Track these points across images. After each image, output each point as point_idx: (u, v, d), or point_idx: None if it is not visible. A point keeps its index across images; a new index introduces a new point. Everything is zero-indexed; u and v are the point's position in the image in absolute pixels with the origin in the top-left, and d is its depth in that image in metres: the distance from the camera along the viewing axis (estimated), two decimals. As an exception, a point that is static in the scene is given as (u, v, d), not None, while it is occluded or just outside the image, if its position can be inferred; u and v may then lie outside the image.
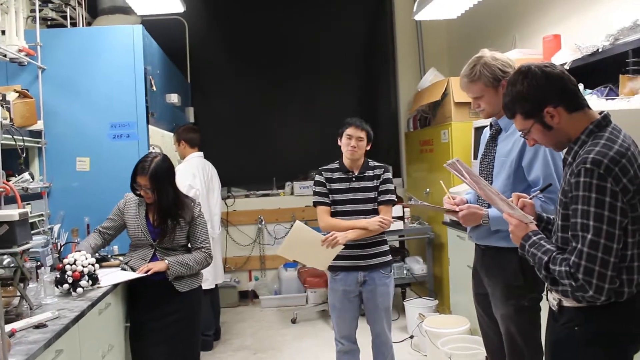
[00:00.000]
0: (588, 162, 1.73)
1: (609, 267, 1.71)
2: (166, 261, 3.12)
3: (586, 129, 1.86)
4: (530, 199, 2.13)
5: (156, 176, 3.10)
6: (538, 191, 2.25)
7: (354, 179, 3.47)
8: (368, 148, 3.51)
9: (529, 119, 1.93)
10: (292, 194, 6.80)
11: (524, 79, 1.90)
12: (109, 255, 3.59)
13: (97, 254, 3.27)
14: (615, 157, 1.73)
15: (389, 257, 3.53)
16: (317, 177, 3.54)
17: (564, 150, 1.96)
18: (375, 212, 3.44)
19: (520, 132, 2.01)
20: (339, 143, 3.52)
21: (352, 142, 3.42)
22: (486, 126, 4.41)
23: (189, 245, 3.32)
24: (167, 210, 3.17)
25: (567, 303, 1.87)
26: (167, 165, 3.20)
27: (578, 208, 1.75)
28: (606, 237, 1.70)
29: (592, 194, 1.72)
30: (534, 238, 1.93)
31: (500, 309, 2.59)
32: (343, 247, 3.30)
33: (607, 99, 3.18)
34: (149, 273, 3.08)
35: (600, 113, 1.89)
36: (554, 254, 1.84)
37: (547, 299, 2.02)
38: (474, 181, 2.15)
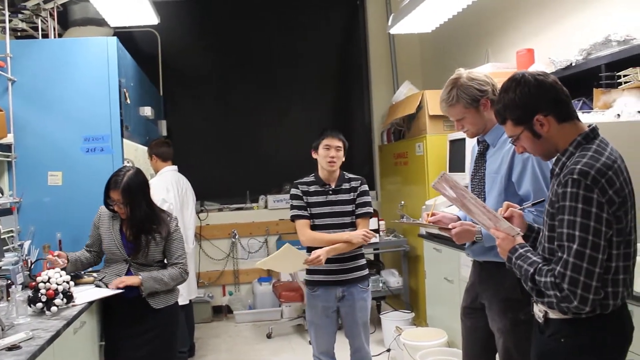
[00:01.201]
0: (575, 172, 1.74)
1: (594, 277, 1.71)
2: (140, 276, 3.06)
3: (574, 141, 1.87)
4: (521, 209, 2.13)
5: (129, 190, 3.04)
6: (530, 204, 2.25)
7: (330, 192, 3.44)
8: (343, 159, 3.48)
9: (518, 126, 1.94)
10: (266, 207, 6.75)
11: (517, 86, 1.91)
12: (82, 272, 3.49)
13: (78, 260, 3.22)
14: (602, 169, 1.74)
15: (367, 271, 3.51)
16: (293, 191, 3.49)
17: (552, 161, 1.97)
18: (353, 225, 3.42)
19: (510, 139, 2.02)
20: (314, 156, 3.48)
21: (332, 152, 3.38)
22: (462, 139, 4.53)
23: (165, 260, 3.26)
24: (141, 224, 3.11)
25: (553, 315, 1.88)
26: (140, 179, 3.13)
27: (564, 218, 1.76)
28: (592, 248, 1.71)
29: (578, 204, 1.73)
30: (521, 250, 1.93)
31: (497, 323, 2.58)
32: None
33: (582, 112, 3.22)
34: (121, 286, 3.01)
35: (589, 126, 1.90)
36: (540, 265, 1.84)
37: (533, 311, 2.02)
38: (460, 196, 2.13)
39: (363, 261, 3.51)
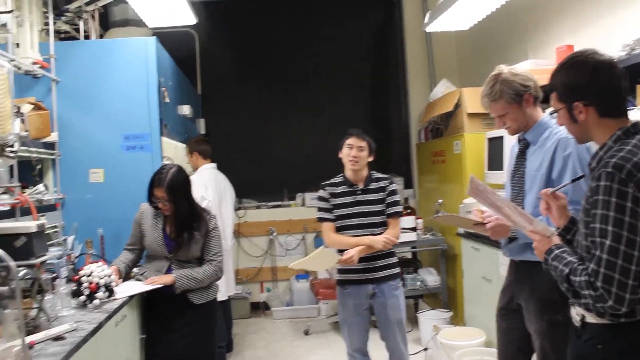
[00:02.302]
0: (610, 165, 1.68)
1: (630, 275, 1.63)
2: (173, 275, 3.11)
3: (614, 135, 1.80)
4: (557, 189, 2.06)
5: (172, 188, 3.10)
6: (568, 183, 2.17)
7: (359, 192, 3.45)
8: (370, 159, 3.48)
9: (560, 103, 1.90)
10: (303, 205, 6.78)
11: (573, 66, 1.87)
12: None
13: (126, 267, 3.28)
14: (638, 163, 1.67)
15: (398, 269, 3.52)
16: (320, 193, 3.52)
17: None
18: (382, 224, 3.43)
19: (552, 112, 2.00)
20: (340, 155, 3.50)
21: (353, 152, 3.41)
22: (500, 137, 4.47)
23: (203, 257, 3.30)
24: (183, 222, 3.17)
25: (590, 319, 1.80)
26: (183, 177, 3.20)
27: (597, 213, 1.69)
28: (627, 244, 1.63)
29: (612, 198, 1.66)
30: (557, 251, 1.88)
31: (534, 324, 2.55)
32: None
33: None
34: (154, 286, 3.07)
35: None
36: (576, 265, 1.77)
37: (570, 314, 1.95)
38: (490, 198, 2.11)
39: (394, 259, 3.51)
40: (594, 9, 4.10)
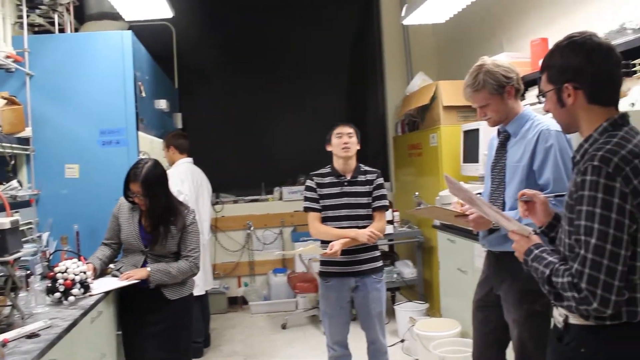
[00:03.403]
0: (596, 159, 1.58)
1: (616, 276, 1.54)
2: (148, 269, 3.10)
3: (600, 126, 1.71)
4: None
5: (148, 182, 3.08)
6: (551, 195, 2.18)
7: (346, 184, 3.46)
8: (358, 147, 3.51)
9: (550, 84, 1.80)
10: (280, 199, 6.78)
11: (569, 46, 1.75)
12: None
13: (102, 263, 3.25)
14: (627, 157, 1.57)
15: (381, 263, 3.54)
16: (308, 182, 3.54)
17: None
18: (368, 217, 3.44)
19: (539, 94, 1.91)
20: (329, 148, 3.51)
21: (344, 139, 3.43)
22: (476, 129, 4.52)
23: (180, 252, 3.30)
24: (160, 216, 3.15)
25: (574, 320, 1.71)
26: (159, 171, 3.18)
27: (583, 209, 1.59)
28: (613, 243, 1.54)
29: (598, 194, 1.56)
30: (536, 252, 1.80)
31: (512, 314, 2.59)
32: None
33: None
34: (129, 280, 3.06)
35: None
36: (557, 265, 1.68)
37: (552, 315, 1.87)
38: (471, 197, 2.12)
39: (377, 253, 3.53)
40: (567, 3, 4.16)
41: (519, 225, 1.91)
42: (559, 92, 1.77)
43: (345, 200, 3.44)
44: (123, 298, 3.23)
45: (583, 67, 1.72)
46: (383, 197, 3.49)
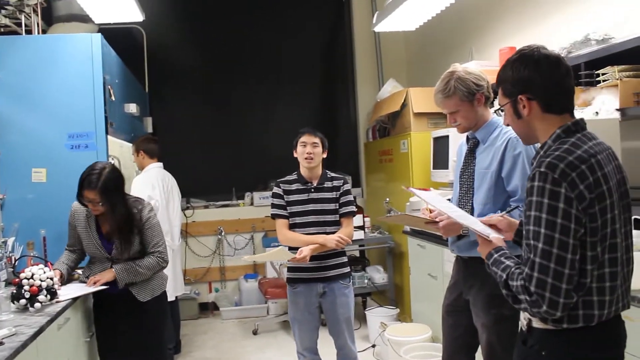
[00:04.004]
0: (543, 165, 1.63)
1: (564, 279, 1.59)
2: (113, 270, 3.05)
3: (553, 134, 1.75)
4: (505, 214, 2.15)
5: (106, 190, 2.95)
6: (510, 208, 2.28)
7: (312, 190, 3.47)
8: (324, 156, 3.52)
9: (505, 98, 1.86)
10: (251, 204, 6.76)
11: (519, 60, 1.82)
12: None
13: (68, 268, 3.19)
14: (573, 162, 1.62)
15: (348, 269, 3.55)
16: (275, 190, 3.53)
17: None
18: (335, 223, 3.46)
19: (498, 107, 1.98)
20: (295, 155, 3.52)
21: (308, 149, 3.43)
22: (446, 136, 4.57)
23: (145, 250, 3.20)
24: (122, 223, 3.05)
25: (536, 324, 1.75)
26: (116, 176, 3.07)
27: (531, 215, 1.64)
28: (559, 247, 1.58)
29: (544, 199, 1.61)
30: (495, 256, 1.84)
31: (481, 318, 2.62)
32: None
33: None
34: (97, 285, 3.02)
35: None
36: (512, 269, 1.73)
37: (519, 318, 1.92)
38: (440, 203, 2.18)
39: (344, 259, 3.55)
40: (534, 12, 4.25)
41: (482, 227, 1.98)
42: (514, 105, 1.82)
43: (312, 206, 3.44)
44: (95, 303, 3.18)
45: (533, 78, 1.77)
46: (350, 203, 3.50)
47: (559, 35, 3.83)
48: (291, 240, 3.42)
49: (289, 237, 3.43)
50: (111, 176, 3.01)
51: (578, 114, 3.13)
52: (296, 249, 3.35)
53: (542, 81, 1.76)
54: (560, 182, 1.60)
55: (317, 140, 3.46)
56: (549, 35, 4.01)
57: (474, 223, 2.06)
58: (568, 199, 1.59)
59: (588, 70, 3.30)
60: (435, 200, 2.43)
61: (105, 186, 2.95)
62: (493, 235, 1.95)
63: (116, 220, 3.04)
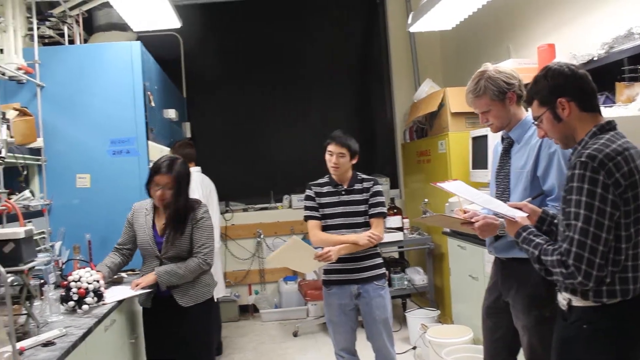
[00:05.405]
0: (584, 156, 1.86)
1: (597, 254, 1.82)
2: (154, 272, 3.10)
3: (590, 131, 1.99)
4: (529, 200, 2.31)
5: (179, 176, 3.11)
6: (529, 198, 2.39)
7: (343, 193, 3.48)
8: (353, 162, 3.49)
9: (543, 106, 2.07)
10: (290, 207, 6.80)
11: (549, 71, 2.06)
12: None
13: (110, 272, 3.24)
14: (610, 154, 1.85)
15: (383, 270, 3.52)
16: (307, 192, 3.55)
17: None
18: (366, 225, 3.44)
19: (534, 121, 2.15)
20: (325, 158, 3.52)
21: (333, 159, 3.43)
22: (484, 136, 4.52)
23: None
24: (180, 212, 3.15)
25: (576, 302, 1.96)
26: (187, 170, 3.24)
27: (572, 198, 1.86)
28: (595, 226, 1.81)
29: (584, 184, 1.84)
30: (524, 234, 2.09)
31: (521, 320, 2.58)
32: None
33: (604, 107, 3.20)
34: (138, 288, 3.07)
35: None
36: (544, 245, 1.98)
37: (557, 307, 2.09)
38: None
39: (378, 260, 3.52)
40: (574, 8, 4.16)
41: (507, 209, 2.20)
42: (553, 110, 2.04)
43: (342, 209, 3.45)
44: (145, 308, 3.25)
45: (570, 82, 2.02)
46: (380, 204, 3.47)
47: (600, 30, 3.75)
48: (324, 241, 3.42)
49: (321, 237, 3.44)
50: (183, 167, 3.18)
51: (622, 110, 3.08)
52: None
53: (578, 84, 2.02)
54: (599, 170, 1.83)
55: (343, 150, 3.43)
56: (589, 30, 3.94)
57: (499, 206, 2.24)
58: (605, 185, 1.83)
59: (631, 65, 3.23)
60: (461, 190, 2.49)
61: (179, 173, 3.12)
62: (519, 214, 2.18)
63: (176, 208, 3.14)
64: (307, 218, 3.52)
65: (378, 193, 3.49)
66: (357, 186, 3.49)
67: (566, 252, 1.86)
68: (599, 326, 1.90)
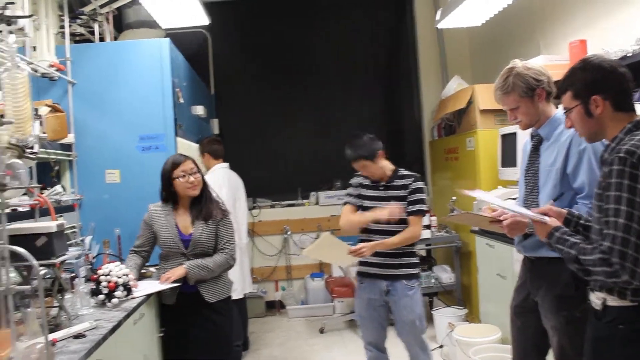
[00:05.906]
0: (622, 151, 1.81)
1: None
2: (184, 266, 3.13)
3: (624, 128, 1.94)
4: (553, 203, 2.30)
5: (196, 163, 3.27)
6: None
7: (381, 188, 3.46)
8: (382, 159, 3.44)
9: (576, 100, 2.02)
10: (317, 203, 6.80)
11: (589, 65, 2.01)
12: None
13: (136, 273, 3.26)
14: None
15: (415, 270, 3.47)
16: (354, 179, 3.59)
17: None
18: (403, 222, 3.39)
19: (564, 110, 2.10)
20: None
21: (364, 173, 3.48)
22: (513, 133, 4.47)
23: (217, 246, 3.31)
24: (206, 204, 3.24)
25: (611, 302, 1.90)
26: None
27: (611, 195, 1.81)
28: (639, 223, 1.76)
29: (624, 180, 1.78)
30: (557, 234, 2.03)
31: (550, 320, 2.54)
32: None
33: (638, 103, 3.14)
34: (169, 281, 3.09)
35: None
36: (581, 244, 1.91)
37: (588, 307, 2.03)
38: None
39: (413, 259, 3.48)
40: (607, 3, 4.08)
41: (533, 214, 2.16)
42: (585, 105, 1.99)
43: (378, 204, 3.40)
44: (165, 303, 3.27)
45: (608, 80, 1.97)
46: (419, 201, 3.41)
47: (633, 25, 3.68)
48: (348, 222, 3.44)
49: (346, 219, 3.46)
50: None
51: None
52: (362, 240, 3.39)
53: (615, 83, 1.97)
54: (638, 166, 1.78)
55: (361, 163, 3.40)
56: (622, 25, 3.85)
57: (526, 210, 2.21)
58: None
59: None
60: (486, 197, 2.51)
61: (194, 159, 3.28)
62: (547, 219, 2.12)
63: (205, 193, 3.26)
64: (344, 203, 3.55)
65: (418, 190, 3.43)
66: (397, 182, 3.45)
67: (608, 250, 1.79)
68: (635, 326, 1.85)
